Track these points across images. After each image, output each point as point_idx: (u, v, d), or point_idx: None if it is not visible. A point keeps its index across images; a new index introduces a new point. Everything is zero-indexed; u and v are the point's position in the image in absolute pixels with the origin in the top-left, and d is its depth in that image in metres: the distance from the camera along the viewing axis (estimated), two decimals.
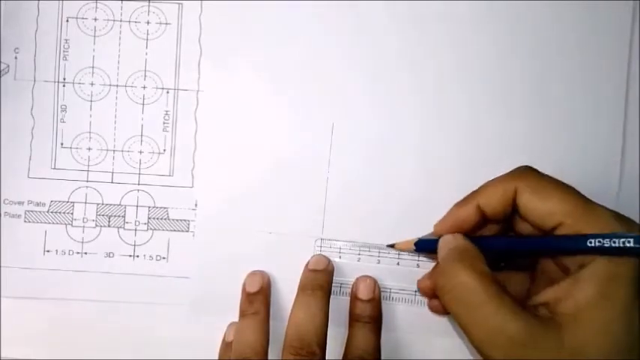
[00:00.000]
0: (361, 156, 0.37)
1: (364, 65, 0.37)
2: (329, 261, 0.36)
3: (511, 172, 0.31)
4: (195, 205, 0.37)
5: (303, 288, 0.35)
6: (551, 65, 0.36)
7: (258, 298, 0.35)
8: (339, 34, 0.37)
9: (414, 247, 0.34)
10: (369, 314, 0.35)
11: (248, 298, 0.35)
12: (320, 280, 0.35)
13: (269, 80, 0.37)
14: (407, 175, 0.36)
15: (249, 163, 0.37)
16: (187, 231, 0.37)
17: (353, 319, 0.35)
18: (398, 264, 0.36)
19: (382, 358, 0.34)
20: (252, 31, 0.37)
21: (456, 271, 0.29)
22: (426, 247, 0.34)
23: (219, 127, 0.37)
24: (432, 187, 0.36)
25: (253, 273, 0.36)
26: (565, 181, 0.32)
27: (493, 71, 0.37)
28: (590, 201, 0.29)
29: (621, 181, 0.36)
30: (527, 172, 0.31)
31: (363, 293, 0.36)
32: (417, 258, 0.36)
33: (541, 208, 0.29)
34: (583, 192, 0.30)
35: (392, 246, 0.36)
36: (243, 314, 0.35)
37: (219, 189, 0.37)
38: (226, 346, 0.35)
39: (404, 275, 0.36)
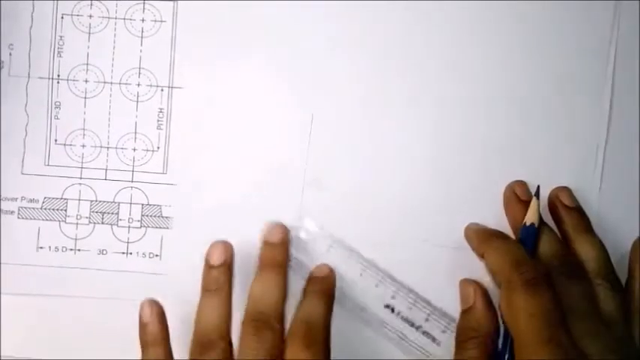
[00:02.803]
0: (340, 148, 0.37)
1: (347, 57, 0.37)
2: (285, 231, 0.36)
3: (519, 262, 0.32)
4: (189, 202, 0.37)
5: (261, 265, 0.35)
6: (533, 68, 0.37)
7: (222, 271, 0.34)
8: (327, 26, 0.37)
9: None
10: (319, 288, 0.35)
11: (211, 271, 0.34)
12: (277, 256, 0.35)
13: (266, 79, 0.37)
14: (386, 168, 0.37)
15: (241, 161, 0.37)
16: (180, 228, 0.37)
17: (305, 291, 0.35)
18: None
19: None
20: (245, 29, 0.37)
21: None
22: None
23: (213, 125, 0.37)
24: (411, 179, 0.37)
25: (216, 243, 0.35)
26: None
27: (478, 69, 0.37)
28: None
29: (602, 179, 0.37)
30: (524, 275, 0.31)
31: (317, 271, 0.36)
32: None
33: (506, 318, 0.32)
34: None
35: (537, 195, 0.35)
36: (205, 289, 0.34)
37: (211, 187, 0.37)
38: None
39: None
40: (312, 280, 0.36)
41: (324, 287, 0.35)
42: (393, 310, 0.36)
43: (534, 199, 0.34)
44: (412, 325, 0.36)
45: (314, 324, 0.33)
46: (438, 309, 0.36)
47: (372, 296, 0.36)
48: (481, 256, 0.34)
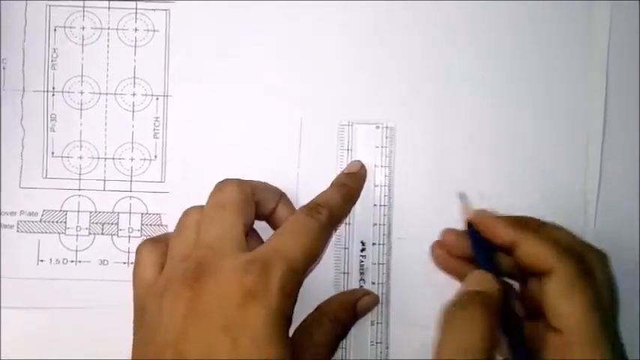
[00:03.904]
0: (330, 150, 0.37)
1: (333, 66, 0.37)
2: (364, 166, 0.36)
3: (568, 249, 0.29)
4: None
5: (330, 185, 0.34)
6: (531, 65, 0.37)
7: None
8: (315, 37, 0.37)
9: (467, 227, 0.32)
10: (344, 182, 0.34)
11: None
12: (349, 180, 0.34)
13: (258, 85, 0.37)
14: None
15: (238, 166, 0.37)
16: None
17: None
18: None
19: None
20: (236, 36, 0.37)
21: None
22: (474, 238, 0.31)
23: (209, 131, 0.37)
24: (400, 182, 0.37)
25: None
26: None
27: (475, 67, 0.37)
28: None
29: (601, 181, 0.37)
30: (577, 262, 0.28)
31: (348, 168, 0.35)
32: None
33: (557, 309, 0.28)
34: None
35: (463, 196, 0.32)
36: None
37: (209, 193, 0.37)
38: None
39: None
40: (341, 173, 0.35)
41: (350, 182, 0.34)
42: (362, 250, 0.36)
43: (462, 204, 0.32)
44: (361, 273, 0.36)
45: (324, 205, 0.31)
46: (389, 290, 0.36)
47: (361, 223, 0.36)
48: (511, 245, 0.30)
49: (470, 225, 0.31)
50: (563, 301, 0.28)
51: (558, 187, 0.36)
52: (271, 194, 0.34)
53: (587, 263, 0.29)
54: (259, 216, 0.33)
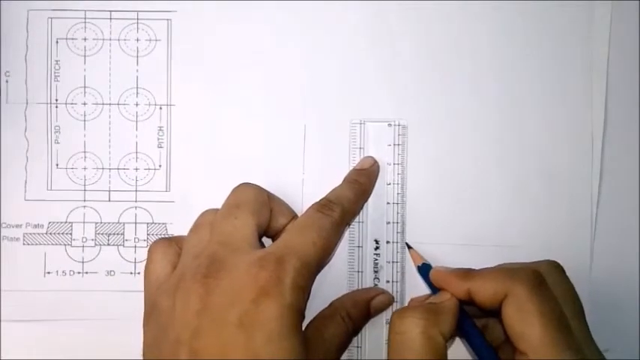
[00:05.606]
0: (334, 156, 0.37)
1: (333, 72, 0.37)
2: (376, 162, 0.36)
3: (516, 270, 0.29)
4: (193, 219, 0.37)
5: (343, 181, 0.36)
6: (531, 65, 0.37)
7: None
8: (315, 43, 0.37)
9: (418, 267, 0.35)
10: (355, 178, 0.35)
11: None
12: (361, 177, 0.36)
13: (260, 93, 0.37)
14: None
15: (243, 174, 0.37)
16: None
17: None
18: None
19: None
20: (238, 44, 0.37)
21: (412, 325, 0.28)
22: (425, 277, 0.34)
23: (213, 140, 0.37)
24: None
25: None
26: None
27: (476, 68, 0.37)
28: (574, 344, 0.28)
29: (602, 173, 0.37)
30: (529, 278, 0.29)
31: (360, 164, 0.36)
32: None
33: (517, 330, 0.28)
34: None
35: (409, 246, 0.36)
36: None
37: (214, 202, 0.37)
38: None
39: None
40: (353, 169, 0.36)
41: (361, 179, 0.35)
42: (376, 248, 0.36)
43: (411, 251, 0.35)
44: (375, 272, 0.36)
45: (336, 202, 0.32)
46: (403, 289, 0.36)
47: (374, 221, 0.36)
48: (465, 292, 0.30)
49: (419, 269, 0.34)
50: (520, 321, 0.28)
51: (563, 182, 0.37)
52: (286, 209, 0.34)
53: (539, 275, 0.29)
54: (270, 230, 0.33)
